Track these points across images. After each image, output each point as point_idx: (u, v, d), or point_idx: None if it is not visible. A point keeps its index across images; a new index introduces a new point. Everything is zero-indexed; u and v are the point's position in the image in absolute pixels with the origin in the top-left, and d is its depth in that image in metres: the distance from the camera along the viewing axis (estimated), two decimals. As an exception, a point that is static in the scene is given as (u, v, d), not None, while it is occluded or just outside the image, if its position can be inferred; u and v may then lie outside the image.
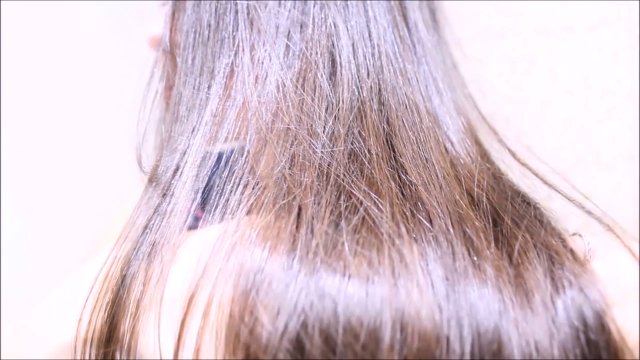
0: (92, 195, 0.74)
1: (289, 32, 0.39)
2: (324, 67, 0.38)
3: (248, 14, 0.40)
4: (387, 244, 0.31)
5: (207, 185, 0.37)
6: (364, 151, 0.36)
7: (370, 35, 0.40)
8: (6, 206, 0.72)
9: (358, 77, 0.38)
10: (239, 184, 0.36)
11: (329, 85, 0.38)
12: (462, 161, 0.38)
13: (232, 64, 0.39)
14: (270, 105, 0.37)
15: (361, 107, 0.37)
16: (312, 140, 0.36)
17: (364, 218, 0.33)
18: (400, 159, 0.36)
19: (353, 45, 0.39)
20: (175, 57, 0.42)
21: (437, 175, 0.36)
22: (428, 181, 0.35)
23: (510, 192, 0.38)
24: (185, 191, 0.36)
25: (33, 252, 0.74)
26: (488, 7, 0.61)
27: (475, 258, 0.31)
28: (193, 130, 0.38)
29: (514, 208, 0.36)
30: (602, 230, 0.37)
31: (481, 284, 0.30)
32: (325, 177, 0.35)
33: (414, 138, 0.37)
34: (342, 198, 0.34)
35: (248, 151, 0.37)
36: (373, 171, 0.35)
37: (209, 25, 0.40)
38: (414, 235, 0.32)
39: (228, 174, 0.37)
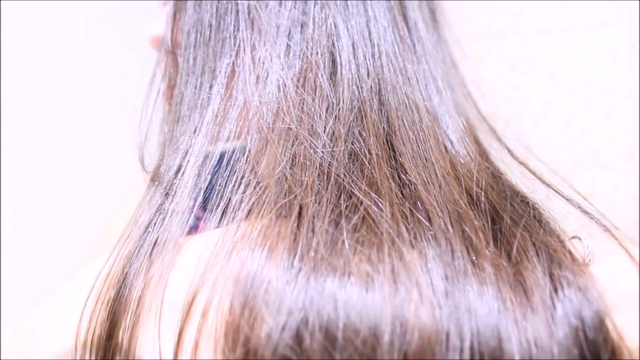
0: (92, 195, 0.74)
1: (290, 32, 0.39)
2: (324, 67, 0.38)
3: (249, 13, 0.40)
4: (386, 242, 0.31)
5: (208, 184, 0.37)
6: (364, 151, 0.36)
7: (370, 35, 0.40)
8: (6, 206, 0.72)
9: (358, 77, 0.38)
10: (240, 184, 0.36)
11: (330, 85, 0.38)
12: (461, 160, 0.38)
13: (233, 63, 0.39)
14: (271, 105, 0.37)
15: (361, 107, 0.38)
16: (312, 140, 0.36)
17: (364, 217, 0.33)
18: (400, 159, 0.37)
19: (353, 45, 0.39)
20: (176, 57, 0.42)
21: (436, 175, 0.36)
22: (427, 180, 0.36)
23: (510, 191, 0.38)
24: (187, 190, 0.36)
25: (33, 252, 0.74)
26: (488, 7, 0.61)
27: (474, 256, 0.32)
28: (195, 130, 0.38)
29: (513, 207, 0.36)
30: (601, 231, 0.37)
31: (480, 282, 0.30)
32: (325, 176, 0.35)
33: (414, 137, 0.38)
34: (342, 197, 0.34)
35: (249, 151, 0.37)
36: (373, 171, 0.35)
37: (210, 25, 0.40)
38: (413, 234, 0.32)
39: (229, 174, 0.37)
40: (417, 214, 0.33)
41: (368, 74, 0.39)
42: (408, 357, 0.28)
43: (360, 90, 0.38)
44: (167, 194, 0.37)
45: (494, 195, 0.37)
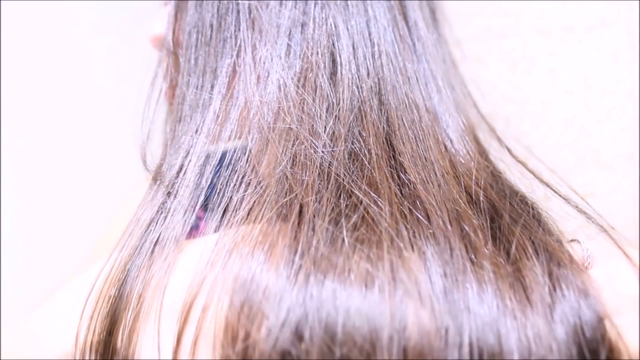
0: (93, 195, 0.74)
1: (290, 32, 0.39)
2: (324, 67, 0.38)
3: (250, 13, 0.40)
4: (386, 241, 0.31)
5: (210, 184, 0.37)
6: (363, 151, 0.37)
7: (370, 35, 0.40)
8: (6, 206, 0.72)
9: (358, 76, 0.39)
10: (241, 183, 0.37)
11: (330, 85, 0.38)
12: (461, 159, 0.39)
13: (234, 63, 0.40)
14: (272, 105, 0.38)
15: (361, 107, 0.38)
16: (313, 140, 0.36)
17: (363, 216, 0.33)
18: (400, 158, 0.37)
19: (353, 45, 0.39)
20: (178, 57, 0.42)
21: (435, 174, 0.36)
22: (427, 179, 0.36)
23: (509, 190, 0.38)
24: (189, 190, 0.36)
25: (33, 252, 0.74)
26: (488, 7, 0.61)
27: (473, 255, 0.32)
28: (197, 129, 0.38)
29: (512, 206, 0.36)
30: (599, 231, 0.37)
31: (479, 281, 0.30)
32: (326, 176, 0.35)
33: (414, 137, 0.38)
34: (342, 197, 0.34)
35: (250, 150, 0.37)
36: (373, 171, 0.36)
37: (211, 25, 0.40)
38: (412, 233, 0.32)
39: (230, 173, 0.37)
40: (416, 213, 0.34)
41: (368, 74, 0.39)
42: (407, 354, 0.28)
43: (360, 90, 0.38)
44: (169, 192, 0.37)
45: (493, 194, 0.37)
